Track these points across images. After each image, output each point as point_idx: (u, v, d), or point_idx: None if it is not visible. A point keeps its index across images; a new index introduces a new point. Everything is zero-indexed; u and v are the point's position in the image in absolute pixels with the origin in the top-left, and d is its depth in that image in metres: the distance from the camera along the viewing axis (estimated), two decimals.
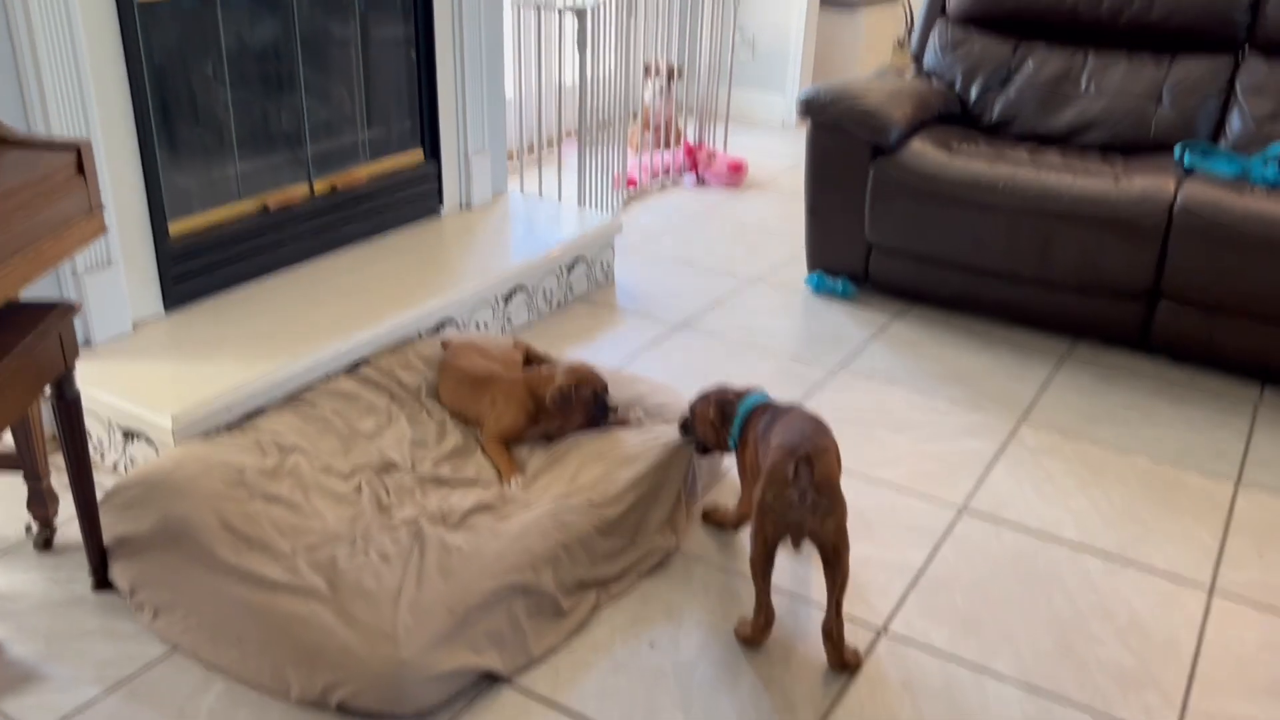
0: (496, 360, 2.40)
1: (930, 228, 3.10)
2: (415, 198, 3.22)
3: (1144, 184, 2.86)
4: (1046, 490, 2.37)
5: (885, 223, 3.18)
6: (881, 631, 1.93)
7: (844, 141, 3.13)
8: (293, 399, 2.35)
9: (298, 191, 2.88)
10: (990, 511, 2.31)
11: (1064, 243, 2.91)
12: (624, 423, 2.27)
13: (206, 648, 1.79)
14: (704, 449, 2.08)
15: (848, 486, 2.31)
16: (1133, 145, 3.21)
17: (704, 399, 2.05)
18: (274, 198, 2.82)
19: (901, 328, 3.14)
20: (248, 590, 1.83)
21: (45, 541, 2.13)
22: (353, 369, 2.49)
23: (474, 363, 2.36)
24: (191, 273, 2.65)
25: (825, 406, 2.70)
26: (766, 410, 1.96)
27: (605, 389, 2.25)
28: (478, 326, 2.89)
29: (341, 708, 1.71)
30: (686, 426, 2.09)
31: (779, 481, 1.67)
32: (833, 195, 3.24)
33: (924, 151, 3.13)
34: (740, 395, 2.03)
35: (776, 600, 1.94)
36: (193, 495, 1.99)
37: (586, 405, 2.21)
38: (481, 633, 1.77)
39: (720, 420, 2.02)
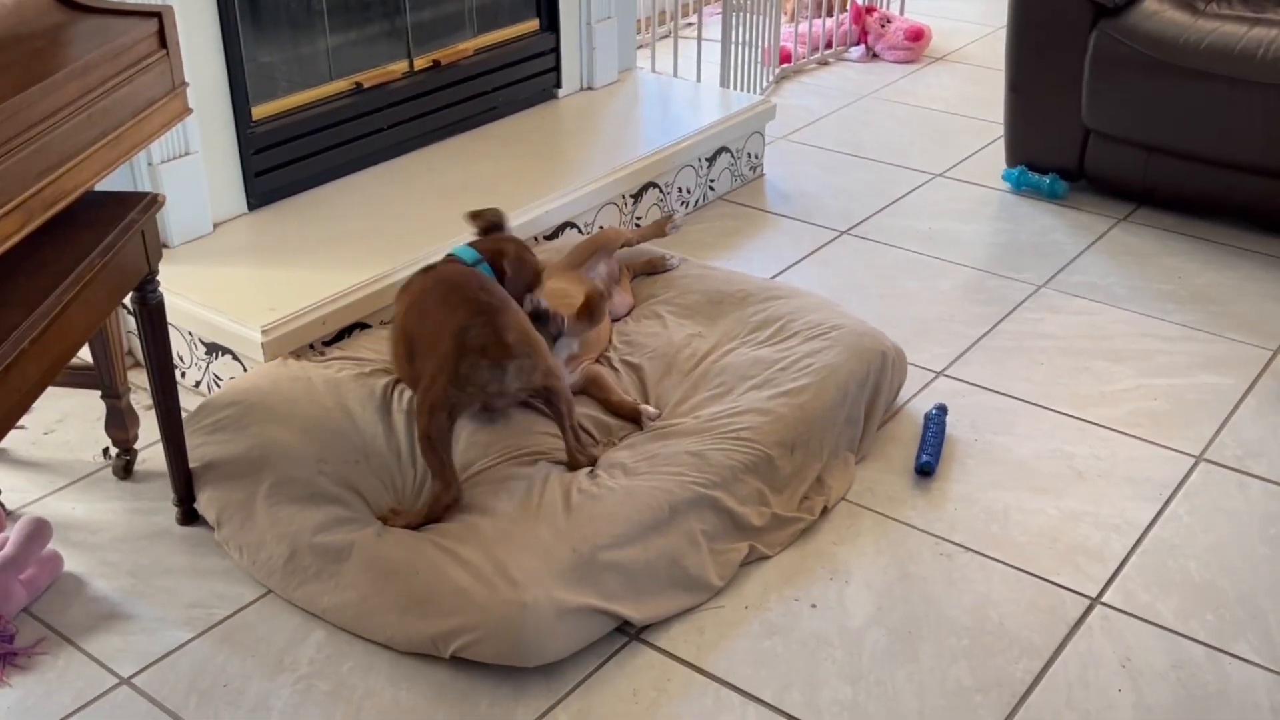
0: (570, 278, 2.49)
1: (1167, 109, 3.06)
2: (529, 76, 3.30)
3: None
4: None
5: (1108, 102, 3.14)
6: (1096, 601, 1.96)
7: None
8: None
9: (395, 68, 2.97)
10: (1235, 462, 2.30)
11: None
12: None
13: (298, 594, 1.93)
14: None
15: (1055, 428, 2.40)
16: None
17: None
18: (368, 76, 2.91)
19: (1125, 235, 3.14)
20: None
21: (125, 467, 2.27)
22: None
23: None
24: (277, 164, 2.78)
25: (1027, 333, 2.73)
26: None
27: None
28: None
29: (456, 657, 1.82)
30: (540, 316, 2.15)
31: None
32: (1041, 68, 3.22)
33: (1160, 11, 3.08)
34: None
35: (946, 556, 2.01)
36: (290, 422, 2.11)
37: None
38: (616, 575, 1.88)
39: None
